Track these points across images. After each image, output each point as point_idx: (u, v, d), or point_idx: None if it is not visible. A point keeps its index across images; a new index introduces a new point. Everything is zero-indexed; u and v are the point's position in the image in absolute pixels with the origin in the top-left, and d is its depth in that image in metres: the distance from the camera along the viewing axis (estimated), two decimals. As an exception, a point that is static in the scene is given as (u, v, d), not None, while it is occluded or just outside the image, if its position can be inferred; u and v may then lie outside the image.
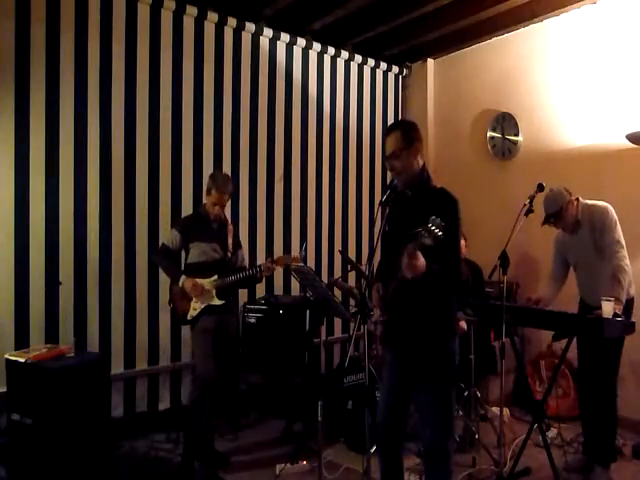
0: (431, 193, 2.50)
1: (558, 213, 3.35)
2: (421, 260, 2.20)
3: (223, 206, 3.63)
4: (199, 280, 3.53)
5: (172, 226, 3.82)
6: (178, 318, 3.68)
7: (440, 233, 2.09)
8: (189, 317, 3.57)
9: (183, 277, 3.56)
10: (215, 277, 3.56)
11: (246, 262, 3.93)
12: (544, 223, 3.41)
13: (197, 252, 3.59)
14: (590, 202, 3.39)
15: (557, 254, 3.60)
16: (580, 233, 3.38)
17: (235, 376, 4.47)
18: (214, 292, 3.55)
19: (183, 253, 3.69)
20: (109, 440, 3.41)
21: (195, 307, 3.55)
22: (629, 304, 3.25)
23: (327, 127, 5.19)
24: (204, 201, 3.66)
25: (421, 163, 2.56)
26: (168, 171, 4.28)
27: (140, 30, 4.10)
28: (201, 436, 3.51)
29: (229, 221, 3.82)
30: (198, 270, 3.56)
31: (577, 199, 3.39)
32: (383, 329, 2.61)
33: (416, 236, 2.12)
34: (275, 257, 3.63)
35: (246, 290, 4.61)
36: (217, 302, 3.55)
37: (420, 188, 2.52)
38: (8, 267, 3.61)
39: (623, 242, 3.25)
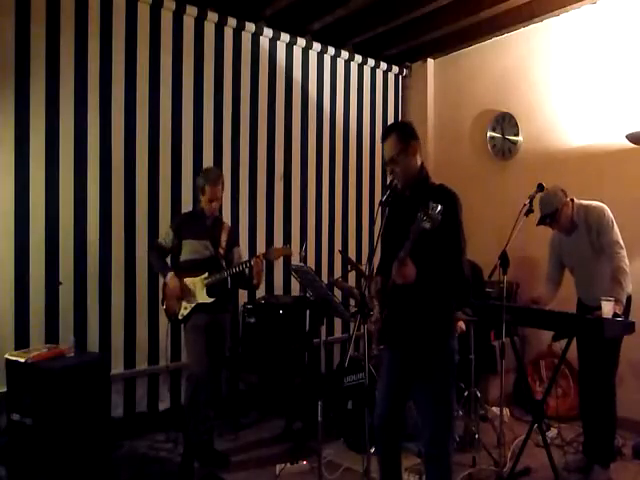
0: (430, 190, 2.49)
1: (554, 214, 3.34)
2: (410, 268, 2.23)
3: (219, 200, 3.62)
4: (190, 279, 3.53)
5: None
6: (170, 317, 3.66)
7: (439, 217, 2.09)
8: (180, 316, 3.56)
9: (170, 274, 3.54)
10: (206, 274, 3.54)
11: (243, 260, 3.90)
12: (539, 223, 3.41)
13: (189, 250, 3.58)
14: (585, 202, 3.38)
15: (552, 256, 3.58)
16: (576, 234, 3.37)
17: (234, 376, 4.48)
18: (204, 290, 3.53)
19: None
20: (109, 440, 3.41)
21: (186, 306, 3.54)
22: (627, 302, 3.24)
23: (327, 127, 5.19)
24: (200, 200, 3.62)
25: (419, 161, 2.55)
26: (168, 171, 4.29)
27: (140, 30, 4.10)
28: (199, 434, 3.50)
29: (224, 219, 3.81)
30: (190, 268, 3.56)
31: (572, 200, 3.38)
32: (380, 326, 2.57)
33: (415, 220, 2.12)
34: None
35: (246, 290, 4.61)
36: (207, 300, 3.52)
37: (419, 186, 2.51)
38: (8, 267, 3.61)
39: (622, 242, 3.25)
